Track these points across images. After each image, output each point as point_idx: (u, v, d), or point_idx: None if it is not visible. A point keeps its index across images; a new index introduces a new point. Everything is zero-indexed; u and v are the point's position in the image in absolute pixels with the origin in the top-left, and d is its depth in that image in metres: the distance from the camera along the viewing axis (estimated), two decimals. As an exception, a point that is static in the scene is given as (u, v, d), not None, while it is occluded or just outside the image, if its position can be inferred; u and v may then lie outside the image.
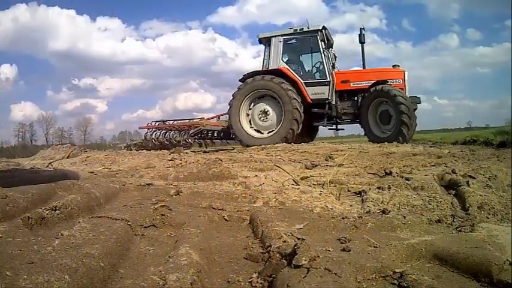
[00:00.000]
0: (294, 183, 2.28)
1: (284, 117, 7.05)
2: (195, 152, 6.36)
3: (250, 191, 1.98)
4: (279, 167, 2.87)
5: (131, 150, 8.30)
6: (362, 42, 7.72)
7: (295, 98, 7.01)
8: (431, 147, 6.03)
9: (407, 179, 2.22)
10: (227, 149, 8.32)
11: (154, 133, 9.48)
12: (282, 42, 7.50)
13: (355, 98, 7.37)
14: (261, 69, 7.85)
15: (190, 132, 8.87)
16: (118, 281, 0.86)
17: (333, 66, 7.71)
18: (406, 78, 7.19)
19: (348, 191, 2.09)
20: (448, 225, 1.40)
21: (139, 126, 11.01)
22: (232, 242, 1.23)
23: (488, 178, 2.13)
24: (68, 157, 5.26)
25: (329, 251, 1.00)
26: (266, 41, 7.79)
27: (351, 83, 7.34)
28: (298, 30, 7.52)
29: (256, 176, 2.53)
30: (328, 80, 7.31)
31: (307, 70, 7.97)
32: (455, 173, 2.24)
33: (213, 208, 1.59)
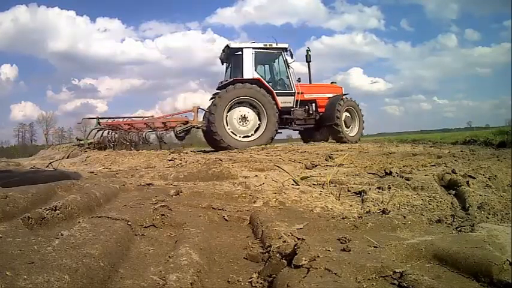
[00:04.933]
0: (294, 183, 2.28)
1: (267, 121, 7.86)
2: (195, 152, 6.37)
3: (250, 191, 1.98)
4: (279, 167, 2.87)
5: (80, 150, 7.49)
6: (308, 61, 9.00)
7: (275, 104, 7.90)
8: (431, 147, 6.03)
9: (407, 179, 2.22)
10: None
11: (110, 132, 8.19)
12: (253, 54, 8.18)
13: (306, 107, 8.65)
14: (223, 76, 8.80)
15: (177, 130, 8.08)
16: (118, 281, 0.86)
17: (299, 80, 8.75)
18: (343, 92, 9.21)
19: (348, 191, 2.09)
20: (448, 225, 1.40)
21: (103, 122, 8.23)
22: (232, 242, 1.23)
23: (488, 178, 2.13)
24: (68, 157, 5.26)
25: (329, 251, 1.00)
26: (234, 51, 8.40)
27: (305, 95, 8.58)
28: (268, 45, 8.40)
29: (256, 176, 2.53)
30: (294, 91, 8.44)
31: (275, 81, 8.73)
32: (455, 173, 2.24)
33: (213, 208, 1.59)
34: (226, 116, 7.74)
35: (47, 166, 3.59)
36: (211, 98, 8.57)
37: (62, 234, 1.02)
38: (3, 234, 0.97)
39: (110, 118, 8.40)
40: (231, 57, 8.56)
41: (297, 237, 1.06)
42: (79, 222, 1.20)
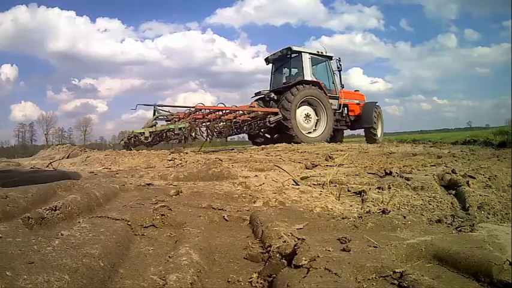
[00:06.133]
0: (294, 183, 2.28)
1: (327, 120, 8.93)
2: (195, 152, 6.36)
3: (250, 191, 1.98)
4: (279, 167, 2.87)
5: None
6: (339, 70, 9.83)
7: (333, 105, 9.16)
8: (431, 147, 6.03)
9: (407, 179, 2.22)
10: (227, 149, 8.34)
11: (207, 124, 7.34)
12: (310, 59, 9.07)
13: (340, 110, 9.70)
14: (270, 75, 10.05)
15: (271, 120, 7.87)
16: (118, 281, 0.86)
17: (342, 86, 9.82)
18: (365, 99, 10.62)
19: (348, 191, 2.09)
20: (448, 225, 1.40)
21: (197, 106, 7.24)
22: (232, 242, 1.23)
23: (488, 178, 2.13)
24: (68, 157, 5.25)
25: (329, 251, 1.00)
26: (290, 54, 9.28)
27: (342, 99, 9.69)
28: (319, 52, 9.41)
29: (256, 176, 2.53)
30: (338, 95, 9.55)
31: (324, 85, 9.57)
32: (455, 173, 2.24)
33: (213, 208, 1.59)
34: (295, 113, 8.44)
35: (47, 166, 3.59)
36: (261, 95, 9.14)
37: (62, 234, 1.02)
38: (3, 234, 0.97)
39: (166, 106, 8.05)
40: (288, 59, 9.44)
41: (297, 237, 1.06)
42: (79, 222, 1.20)
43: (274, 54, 9.70)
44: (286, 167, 2.92)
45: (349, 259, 0.92)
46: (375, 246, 1.07)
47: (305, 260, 0.85)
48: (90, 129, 44.22)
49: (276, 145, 7.06)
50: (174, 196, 1.79)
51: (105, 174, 2.70)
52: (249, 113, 8.06)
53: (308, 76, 8.88)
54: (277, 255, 0.91)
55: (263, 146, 7.18)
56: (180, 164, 3.42)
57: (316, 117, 8.90)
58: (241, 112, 8.04)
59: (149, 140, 6.85)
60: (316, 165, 3.36)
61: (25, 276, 0.72)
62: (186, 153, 4.87)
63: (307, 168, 3.24)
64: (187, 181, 2.32)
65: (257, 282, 0.88)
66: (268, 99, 8.76)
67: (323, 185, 2.25)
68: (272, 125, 8.16)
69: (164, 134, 7.09)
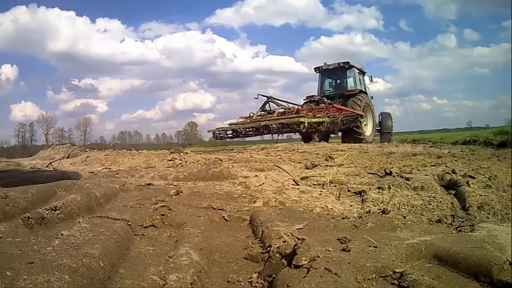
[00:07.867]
0: (294, 183, 2.28)
1: (373, 123, 11.43)
2: (195, 152, 6.35)
3: (250, 191, 1.98)
4: (279, 167, 2.87)
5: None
6: (369, 83, 12.15)
7: None
8: (431, 147, 6.03)
9: (407, 179, 2.22)
10: (227, 149, 8.35)
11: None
12: (358, 73, 11.34)
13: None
14: (315, 82, 12.36)
15: (361, 120, 10.45)
16: (118, 281, 0.86)
17: (371, 97, 11.98)
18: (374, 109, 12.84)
19: (348, 191, 2.09)
20: (448, 225, 1.40)
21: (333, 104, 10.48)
22: (232, 242, 1.23)
23: (488, 178, 2.13)
24: (68, 157, 5.25)
25: (329, 251, 1.00)
26: (345, 66, 11.34)
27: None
28: (360, 68, 11.78)
29: (256, 176, 2.53)
30: None
31: None
32: (455, 173, 2.24)
33: (213, 208, 1.59)
34: None
35: (47, 166, 3.58)
36: (313, 99, 11.02)
37: (62, 234, 1.02)
38: (3, 234, 0.97)
39: (278, 100, 9.91)
40: (342, 71, 11.39)
41: (297, 237, 1.06)
42: (79, 222, 1.20)
43: (328, 65, 11.72)
44: (286, 167, 2.92)
45: (349, 259, 0.92)
46: (375, 246, 1.07)
47: (305, 260, 0.85)
48: (90, 129, 44.37)
49: (276, 145, 7.06)
50: (174, 196, 1.79)
51: (105, 174, 2.70)
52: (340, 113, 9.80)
53: (359, 86, 11.02)
54: (277, 255, 0.91)
55: (263, 146, 7.19)
56: (180, 164, 3.42)
57: (365, 121, 10.85)
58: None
59: (304, 130, 8.08)
60: (316, 165, 3.36)
61: (25, 276, 0.72)
62: (186, 153, 4.86)
63: (307, 168, 3.24)
64: (187, 181, 2.32)
65: (257, 282, 0.88)
66: (322, 103, 10.41)
67: (323, 185, 2.25)
68: (363, 124, 10.32)
69: (314, 126, 8.40)
